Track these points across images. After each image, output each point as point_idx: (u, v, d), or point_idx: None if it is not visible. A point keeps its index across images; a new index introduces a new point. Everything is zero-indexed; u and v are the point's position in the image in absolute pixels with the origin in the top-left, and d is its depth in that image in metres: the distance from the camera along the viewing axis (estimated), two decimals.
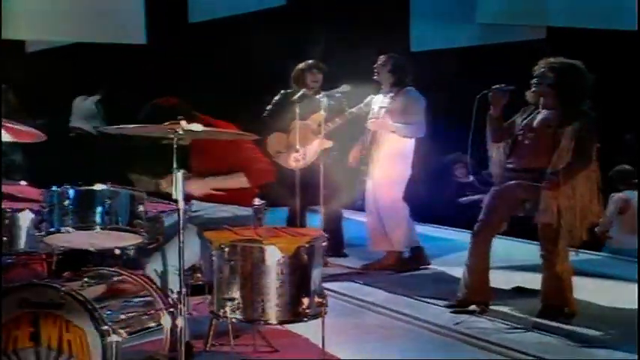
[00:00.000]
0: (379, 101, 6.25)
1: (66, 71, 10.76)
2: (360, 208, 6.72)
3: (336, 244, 6.62)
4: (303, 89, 6.44)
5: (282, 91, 6.71)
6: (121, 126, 3.56)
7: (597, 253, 6.89)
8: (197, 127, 3.47)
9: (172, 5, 10.09)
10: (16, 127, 4.32)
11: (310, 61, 6.68)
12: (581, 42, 7.93)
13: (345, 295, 5.33)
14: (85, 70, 10.72)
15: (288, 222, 6.69)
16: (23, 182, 4.31)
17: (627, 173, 7.27)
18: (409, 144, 6.20)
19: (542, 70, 4.83)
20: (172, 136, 3.44)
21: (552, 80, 4.79)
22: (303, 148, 6.33)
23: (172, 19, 10.03)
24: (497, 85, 4.90)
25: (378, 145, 6.21)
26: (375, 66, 6.27)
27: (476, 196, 7.28)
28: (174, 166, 3.37)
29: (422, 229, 7.03)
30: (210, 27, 9.91)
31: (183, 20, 10.08)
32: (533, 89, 4.89)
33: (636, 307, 4.99)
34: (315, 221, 6.55)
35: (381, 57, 6.28)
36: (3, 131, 4.26)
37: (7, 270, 3.93)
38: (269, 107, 6.72)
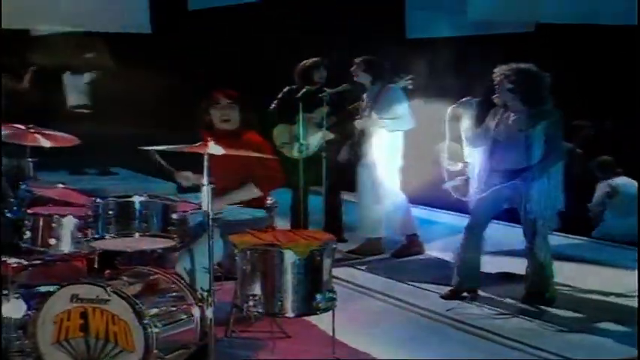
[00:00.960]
0: (365, 100, 6.73)
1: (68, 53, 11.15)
2: None
3: (336, 230, 7.12)
4: (308, 85, 6.90)
5: (287, 87, 7.16)
6: (156, 147, 4.04)
7: (580, 237, 7.40)
8: (218, 150, 3.94)
9: None
10: (51, 133, 4.78)
11: (316, 59, 7.12)
12: (568, 35, 8.40)
13: (346, 281, 5.82)
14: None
15: (292, 206, 7.20)
16: (60, 185, 4.78)
17: (608, 163, 7.79)
18: (398, 136, 6.69)
19: (499, 78, 5.26)
20: (202, 152, 3.92)
21: (510, 87, 5.22)
22: (307, 140, 6.80)
23: (172, 5, 10.34)
24: (464, 99, 5.38)
25: (369, 139, 6.69)
26: (351, 69, 6.72)
27: None
28: (205, 182, 3.85)
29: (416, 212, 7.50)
30: (211, 15, 10.22)
31: (182, 7, 10.39)
32: (497, 95, 5.33)
33: (616, 291, 5.57)
34: (315, 203, 7.03)
35: (356, 60, 6.72)
36: (40, 137, 4.73)
37: (51, 266, 4.42)
38: (275, 101, 7.18)
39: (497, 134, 5.33)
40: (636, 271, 5.99)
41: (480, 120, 5.49)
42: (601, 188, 7.77)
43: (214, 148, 3.94)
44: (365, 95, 6.75)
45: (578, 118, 8.86)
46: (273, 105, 7.18)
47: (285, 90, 7.19)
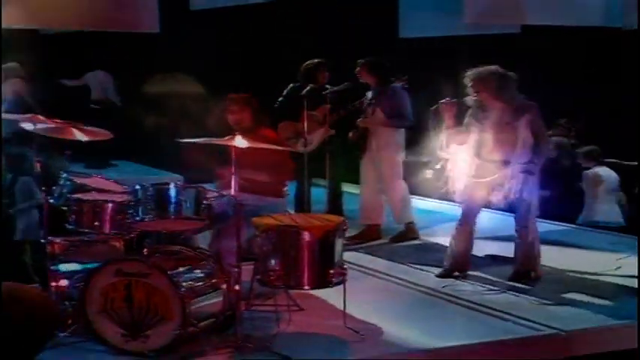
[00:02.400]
0: (369, 98, 7.30)
1: (75, 53, 11.66)
2: None
3: None
4: (311, 84, 7.45)
5: (291, 85, 7.71)
6: (190, 140, 4.57)
7: (563, 224, 7.98)
8: (244, 143, 4.49)
9: None
10: (87, 128, 5.26)
11: (318, 60, 7.67)
12: (551, 35, 8.96)
13: (350, 263, 6.33)
14: (91, 52, 11.63)
15: (296, 196, 7.75)
16: (97, 175, 5.31)
17: (595, 152, 8.32)
18: (399, 133, 7.26)
19: (473, 82, 5.78)
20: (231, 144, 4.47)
21: (486, 89, 5.75)
22: (310, 136, 7.35)
23: (173, 5, 10.74)
24: (445, 99, 5.91)
25: (374, 134, 7.26)
26: (356, 71, 7.26)
27: None
28: (232, 170, 4.40)
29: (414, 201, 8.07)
30: (212, 15, 10.64)
31: (184, 7, 10.77)
32: (473, 97, 5.82)
33: (593, 270, 6.15)
34: (317, 194, 7.59)
35: (359, 61, 7.26)
36: (77, 132, 5.22)
37: (91, 246, 4.95)
38: (280, 99, 7.73)
39: (484, 129, 5.83)
40: (612, 254, 6.63)
41: (460, 118, 6.00)
42: (587, 179, 8.26)
43: (240, 142, 4.49)
44: (369, 94, 7.30)
45: (557, 113, 9.42)
46: (279, 102, 7.73)
47: (288, 88, 7.74)
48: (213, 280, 4.63)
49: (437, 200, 8.86)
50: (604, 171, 8.19)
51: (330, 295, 5.12)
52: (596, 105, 9.33)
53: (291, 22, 10.85)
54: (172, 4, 10.18)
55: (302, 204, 7.53)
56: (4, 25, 7.30)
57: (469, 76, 5.81)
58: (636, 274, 5.90)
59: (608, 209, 8.08)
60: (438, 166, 6.16)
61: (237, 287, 4.46)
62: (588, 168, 8.28)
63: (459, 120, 5.96)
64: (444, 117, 5.92)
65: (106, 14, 9.35)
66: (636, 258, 6.29)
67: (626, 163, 8.46)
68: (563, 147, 9.24)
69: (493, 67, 5.80)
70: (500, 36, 9.12)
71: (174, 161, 9.80)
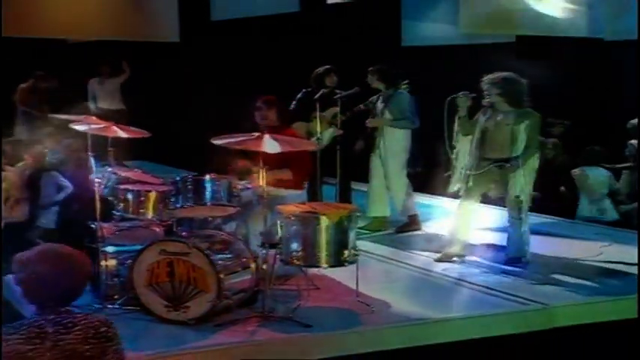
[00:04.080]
0: (379, 102, 7.99)
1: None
2: None
3: None
4: (322, 89, 8.14)
5: (303, 90, 8.42)
6: (219, 138, 5.23)
7: (553, 217, 8.63)
8: (273, 143, 5.14)
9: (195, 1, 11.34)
10: (128, 127, 5.92)
11: (328, 66, 8.37)
12: (543, 44, 9.64)
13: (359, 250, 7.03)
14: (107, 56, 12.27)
15: (308, 193, 8.38)
16: (137, 170, 6.00)
17: (594, 153, 8.88)
18: (405, 133, 7.95)
19: (487, 85, 6.47)
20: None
21: (498, 92, 6.44)
22: (321, 135, 8.04)
23: (195, 15, 11.33)
24: (462, 92, 6.58)
25: (382, 133, 7.96)
26: (367, 79, 7.97)
27: None
28: (261, 165, 5.09)
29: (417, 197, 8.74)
30: (232, 26, 11.26)
31: (206, 17, 11.34)
32: (487, 99, 6.52)
33: (576, 257, 6.83)
34: (328, 192, 8.27)
35: (370, 69, 7.96)
36: (116, 128, 5.86)
37: (134, 230, 5.63)
38: (294, 103, 8.43)
39: (487, 128, 6.52)
40: (595, 242, 7.31)
41: (471, 113, 6.68)
42: (574, 175, 8.79)
43: (269, 142, 5.15)
44: (379, 97, 8.00)
45: (550, 116, 10.07)
46: (293, 105, 8.43)
47: (302, 92, 8.44)
48: (243, 260, 5.32)
49: (438, 196, 9.56)
50: (592, 170, 8.62)
51: (343, 277, 5.84)
52: (587, 109, 9.98)
53: (304, 33, 11.50)
54: (194, 15, 10.81)
55: (314, 199, 8.19)
56: (29, 36, 7.99)
57: (485, 79, 6.49)
58: (617, 260, 6.65)
59: (599, 206, 8.59)
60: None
61: (264, 267, 5.13)
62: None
63: (471, 115, 6.63)
64: (459, 108, 6.59)
65: (128, 24, 9.98)
66: (617, 246, 7.06)
67: (618, 166, 9.04)
68: (560, 147, 9.79)
69: (506, 74, 6.48)
70: (497, 44, 9.80)
71: (188, 160, 10.46)
